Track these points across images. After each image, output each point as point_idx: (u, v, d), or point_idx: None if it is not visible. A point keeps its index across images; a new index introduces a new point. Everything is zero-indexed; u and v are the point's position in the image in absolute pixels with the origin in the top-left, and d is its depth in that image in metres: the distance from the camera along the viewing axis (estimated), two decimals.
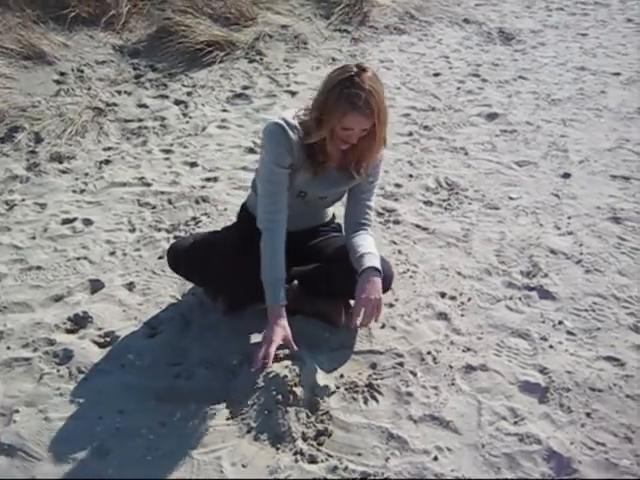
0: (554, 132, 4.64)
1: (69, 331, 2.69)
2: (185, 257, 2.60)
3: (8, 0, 5.63)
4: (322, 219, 2.79)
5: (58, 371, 2.46)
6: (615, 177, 4.01)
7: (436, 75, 5.74)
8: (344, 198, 2.67)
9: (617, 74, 5.81)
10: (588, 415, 2.30)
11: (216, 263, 2.52)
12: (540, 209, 3.64)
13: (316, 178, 2.48)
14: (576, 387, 2.41)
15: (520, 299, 2.90)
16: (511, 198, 3.76)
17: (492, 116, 4.90)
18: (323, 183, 2.52)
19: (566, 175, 4.03)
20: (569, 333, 2.70)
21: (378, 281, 2.37)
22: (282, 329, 2.34)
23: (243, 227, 2.76)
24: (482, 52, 6.37)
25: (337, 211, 2.86)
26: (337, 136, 2.30)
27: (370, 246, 2.48)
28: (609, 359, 2.56)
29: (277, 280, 2.38)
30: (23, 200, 3.68)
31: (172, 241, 3.22)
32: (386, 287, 2.63)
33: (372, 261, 2.40)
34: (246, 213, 2.78)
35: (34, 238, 3.32)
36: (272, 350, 2.27)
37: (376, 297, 2.34)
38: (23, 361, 2.52)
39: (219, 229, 2.89)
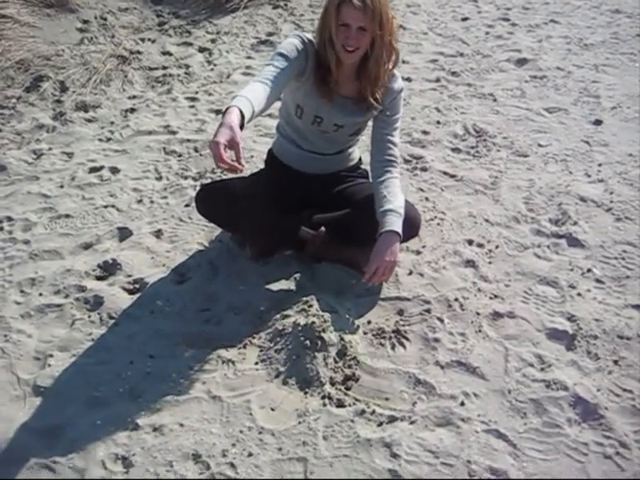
0: (586, 77, 4.52)
1: (99, 278, 2.72)
2: (214, 203, 2.59)
3: None
4: (347, 162, 2.77)
5: (89, 317, 2.50)
6: None
7: (464, 20, 5.61)
8: (368, 143, 2.65)
9: None
10: (615, 362, 2.29)
11: (245, 209, 2.53)
12: (570, 156, 3.58)
13: (331, 105, 2.48)
14: (604, 335, 2.40)
15: (548, 247, 2.87)
16: (540, 145, 3.70)
17: (522, 61, 4.78)
18: (340, 111, 2.52)
19: (597, 122, 3.94)
20: (598, 281, 2.68)
21: (396, 244, 2.39)
22: (229, 129, 1.97)
23: (271, 173, 2.76)
24: None
25: (364, 157, 2.84)
26: (338, 39, 2.29)
27: (394, 198, 2.46)
28: (637, 307, 2.53)
29: (240, 95, 2.13)
30: (50, 149, 3.70)
31: (198, 188, 3.23)
32: (414, 234, 2.63)
33: (393, 223, 2.40)
34: (273, 159, 2.77)
35: (62, 187, 3.35)
36: (220, 152, 1.93)
37: (390, 259, 2.37)
38: (55, 307, 2.56)
39: (246, 175, 2.88)
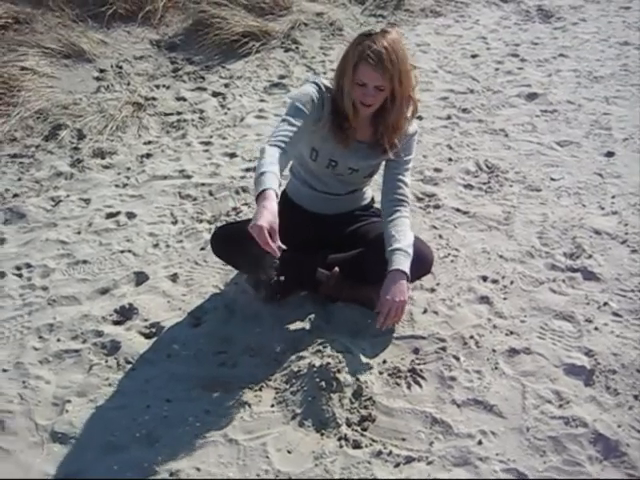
0: (596, 110, 4.54)
1: (116, 323, 2.75)
2: (229, 244, 2.62)
3: (48, 0, 5.74)
4: (359, 201, 2.80)
5: (106, 362, 2.52)
6: None
7: (474, 57, 5.67)
8: (380, 182, 2.67)
9: None
10: (635, 397, 2.26)
11: (260, 250, 2.54)
12: (583, 189, 3.58)
13: (347, 150, 2.51)
14: (623, 369, 2.38)
15: (564, 281, 2.86)
16: (553, 179, 3.70)
17: (532, 96, 4.82)
18: (354, 155, 2.55)
19: (609, 154, 3.95)
20: (615, 314, 2.66)
21: (404, 283, 2.39)
22: (271, 215, 2.09)
23: (285, 214, 2.79)
24: (520, 31, 6.26)
25: (377, 196, 2.86)
26: (355, 95, 2.33)
27: (402, 237, 2.47)
28: None
29: (269, 171, 2.18)
30: (68, 196, 3.76)
31: (213, 230, 3.27)
32: (426, 271, 2.63)
33: (400, 262, 2.41)
34: (287, 200, 2.80)
35: (79, 233, 3.40)
36: (264, 236, 2.06)
37: (401, 299, 2.37)
38: (73, 352, 2.58)
39: None
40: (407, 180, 2.62)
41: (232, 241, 2.61)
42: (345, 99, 2.36)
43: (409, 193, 2.62)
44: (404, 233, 2.49)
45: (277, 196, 2.15)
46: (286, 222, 2.64)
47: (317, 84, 2.43)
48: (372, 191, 2.93)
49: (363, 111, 2.39)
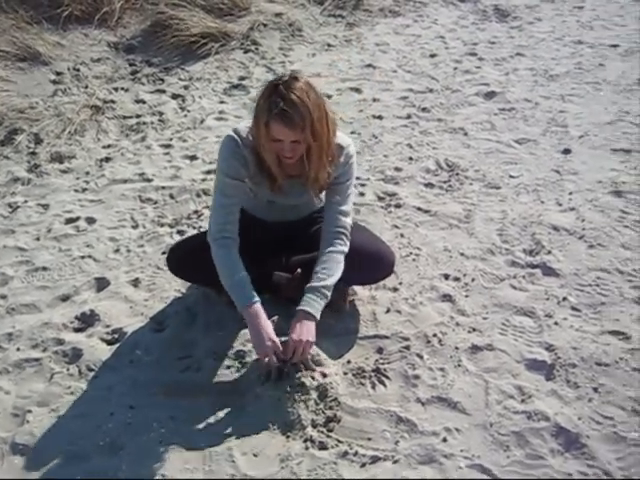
0: (553, 108, 4.62)
1: (77, 330, 2.71)
2: (183, 264, 2.60)
3: (0, 2, 5.63)
4: (315, 206, 2.75)
5: (68, 370, 2.49)
6: (616, 150, 3.99)
7: (432, 56, 5.72)
8: None
9: (615, 46, 5.78)
10: (595, 390, 2.31)
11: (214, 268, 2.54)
12: (541, 186, 3.64)
13: (281, 191, 2.46)
14: (582, 363, 2.42)
15: (524, 277, 2.91)
16: (512, 176, 3.76)
17: (490, 95, 4.88)
18: (289, 194, 2.50)
19: (566, 151, 4.02)
20: (574, 309, 2.71)
21: (310, 325, 2.32)
22: (269, 340, 2.26)
23: (246, 226, 2.78)
24: (478, 30, 6.34)
25: None
26: (274, 149, 2.25)
27: (326, 277, 2.39)
28: (614, 333, 2.56)
29: (241, 281, 2.33)
30: (26, 202, 3.70)
31: (175, 236, 3.25)
32: (388, 273, 2.64)
33: (311, 304, 2.35)
34: (245, 212, 2.79)
35: (38, 239, 3.34)
36: (272, 360, 2.26)
37: (308, 339, 2.30)
38: (33, 361, 2.54)
39: None
40: (346, 208, 2.49)
41: (187, 262, 2.60)
42: (266, 155, 2.28)
43: (348, 223, 2.48)
44: (329, 271, 2.40)
45: (258, 300, 2.32)
46: (248, 233, 2.64)
47: (234, 141, 2.35)
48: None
49: (287, 162, 2.32)
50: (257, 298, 2.31)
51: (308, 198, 2.55)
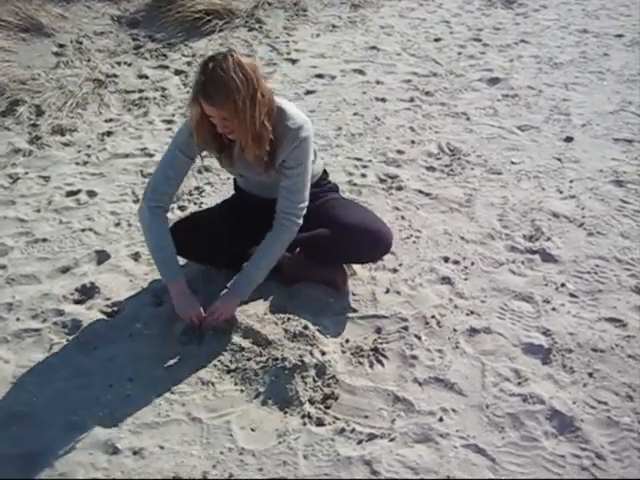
0: (556, 96, 4.61)
1: (77, 302, 2.72)
2: (183, 243, 2.61)
3: None
4: None
5: (67, 341, 2.50)
6: (617, 140, 4.00)
7: (437, 40, 5.70)
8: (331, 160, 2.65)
9: (620, 36, 5.77)
10: (590, 375, 2.33)
11: (215, 247, 2.60)
12: (542, 173, 3.65)
13: (243, 164, 2.49)
14: (578, 348, 2.44)
15: (523, 262, 2.92)
16: (513, 163, 3.76)
17: (494, 81, 4.87)
18: (252, 170, 2.52)
19: (568, 139, 4.02)
20: (572, 295, 2.72)
21: (232, 302, 2.47)
22: (191, 308, 2.44)
23: (238, 200, 2.79)
24: (483, 16, 6.31)
25: (331, 168, 2.85)
26: (206, 124, 2.29)
27: (258, 259, 2.46)
28: (611, 320, 2.58)
29: (168, 257, 2.47)
30: (26, 173, 3.69)
31: (176, 212, 3.25)
32: (386, 249, 2.63)
33: (237, 282, 2.48)
34: (238, 189, 2.81)
35: (39, 211, 3.34)
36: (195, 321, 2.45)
37: (226, 311, 2.45)
38: (33, 332, 2.55)
39: (218, 203, 2.95)
40: (295, 194, 2.45)
41: (187, 242, 2.61)
42: (199, 129, 2.32)
43: (297, 207, 2.46)
44: (261, 253, 2.47)
45: (183, 278, 2.48)
46: (240, 208, 2.64)
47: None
48: (323, 164, 2.84)
49: (226, 138, 2.35)
50: (182, 276, 2.48)
51: (270, 175, 2.50)
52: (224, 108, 2.17)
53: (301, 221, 2.48)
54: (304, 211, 2.48)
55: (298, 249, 2.71)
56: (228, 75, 2.14)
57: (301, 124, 2.38)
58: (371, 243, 2.58)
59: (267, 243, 2.48)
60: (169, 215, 3.17)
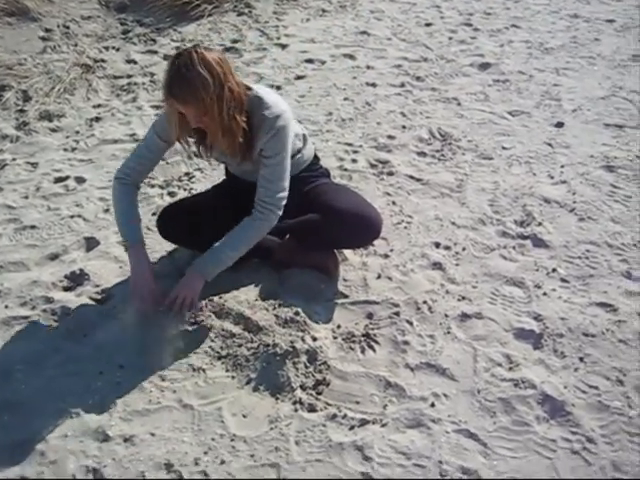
0: (547, 81, 4.60)
1: (66, 289, 2.70)
2: (173, 227, 2.63)
3: None
4: (298, 166, 2.68)
5: (57, 328, 2.48)
6: (608, 125, 4.00)
7: (428, 25, 5.67)
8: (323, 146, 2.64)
9: (611, 21, 5.76)
10: (581, 360, 2.33)
11: (206, 233, 2.55)
12: (533, 158, 3.64)
13: (221, 155, 2.54)
14: (569, 333, 2.45)
15: (514, 248, 2.92)
16: (504, 148, 3.75)
17: (484, 66, 4.85)
18: (232, 160, 2.55)
19: (559, 124, 4.02)
20: (563, 280, 2.73)
21: (194, 281, 2.43)
22: (142, 278, 2.47)
23: (229, 185, 2.77)
24: (474, 1, 6.29)
25: (322, 153, 2.82)
26: (175, 117, 2.30)
27: (227, 243, 2.44)
28: (602, 305, 2.59)
29: (134, 222, 2.52)
30: (14, 159, 3.66)
31: (166, 197, 3.23)
32: (376, 233, 2.62)
33: (201, 263, 2.45)
34: (229, 174, 2.79)
35: (27, 197, 3.31)
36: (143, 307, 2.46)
37: (187, 294, 2.41)
38: (22, 319, 2.53)
39: (208, 188, 2.96)
40: (271, 184, 2.43)
41: (177, 227, 2.65)
42: (170, 120, 2.34)
43: (271, 195, 2.43)
44: (233, 236, 2.45)
45: (143, 243, 2.52)
46: (234, 195, 2.63)
47: None
48: (314, 149, 2.83)
49: (200, 130, 2.35)
50: (142, 242, 2.52)
51: (249, 164, 2.51)
52: (190, 105, 2.19)
53: (280, 212, 2.46)
54: (283, 201, 2.46)
55: (288, 235, 2.70)
56: (192, 72, 2.14)
57: (278, 113, 2.37)
58: (361, 228, 2.56)
59: (242, 227, 2.45)
60: (158, 201, 3.19)
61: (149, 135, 2.51)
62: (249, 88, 2.40)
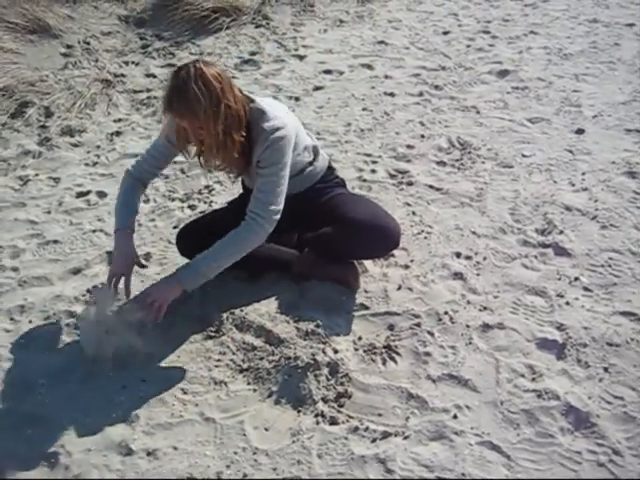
0: (566, 87, 4.57)
1: (89, 303, 2.71)
2: (192, 245, 2.61)
3: None
4: (312, 178, 2.69)
5: (79, 342, 2.49)
6: (630, 131, 3.96)
7: (445, 33, 5.66)
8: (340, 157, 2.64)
9: (631, 25, 5.72)
10: (605, 370, 2.30)
11: None
12: (554, 166, 3.61)
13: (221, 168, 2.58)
14: (593, 342, 2.42)
15: (536, 257, 2.90)
16: (524, 156, 3.73)
17: (503, 73, 4.84)
18: (244, 176, 2.68)
19: (580, 131, 3.99)
20: (585, 289, 2.70)
21: (170, 290, 2.38)
22: (124, 257, 2.52)
23: (245, 203, 2.78)
24: (491, 8, 6.28)
25: (340, 164, 2.84)
26: (172, 131, 2.40)
27: (211, 253, 2.39)
28: (626, 314, 2.55)
29: (129, 212, 2.59)
30: (37, 175, 3.70)
31: (186, 211, 3.25)
32: (394, 244, 2.60)
33: (182, 274, 2.39)
34: (245, 187, 2.81)
35: (49, 212, 3.35)
36: (112, 282, 2.49)
37: (158, 302, 2.34)
38: (45, 333, 2.55)
39: (226, 203, 2.98)
40: (265, 194, 2.40)
41: (197, 246, 2.55)
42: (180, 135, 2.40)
43: (262, 207, 2.39)
44: (217, 248, 2.40)
45: (132, 230, 2.58)
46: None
47: None
48: (327, 160, 2.81)
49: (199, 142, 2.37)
50: (132, 229, 2.58)
51: (252, 177, 2.52)
52: (186, 119, 2.23)
53: (270, 227, 2.40)
54: (275, 215, 2.40)
55: (307, 248, 2.70)
56: (188, 87, 2.18)
57: (278, 126, 2.38)
58: (379, 238, 2.56)
59: (227, 239, 2.40)
60: (179, 214, 3.22)
61: (160, 139, 2.58)
62: (252, 100, 2.43)
